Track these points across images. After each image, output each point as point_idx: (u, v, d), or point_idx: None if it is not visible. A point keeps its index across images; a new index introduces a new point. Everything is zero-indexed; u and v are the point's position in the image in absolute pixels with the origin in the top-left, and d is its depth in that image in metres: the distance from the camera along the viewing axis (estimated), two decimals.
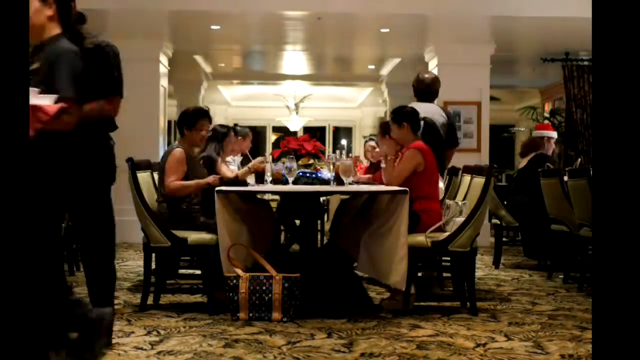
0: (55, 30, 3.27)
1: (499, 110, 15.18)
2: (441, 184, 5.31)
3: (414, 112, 4.92)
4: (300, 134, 15.05)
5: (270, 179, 4.86)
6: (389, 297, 4.64)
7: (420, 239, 4.47)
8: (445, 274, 5.46)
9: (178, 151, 4.69)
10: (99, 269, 3.48)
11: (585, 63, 9.80)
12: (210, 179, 4.67)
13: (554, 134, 7.37)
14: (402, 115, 4.90)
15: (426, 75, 5.88)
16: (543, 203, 6.10)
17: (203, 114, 4.82)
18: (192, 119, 4.78)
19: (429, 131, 4.96)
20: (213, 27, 8.57)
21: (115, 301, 4.80)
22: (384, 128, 5.16)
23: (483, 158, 8.95)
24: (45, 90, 2.95)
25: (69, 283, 5.52)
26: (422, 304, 4.66)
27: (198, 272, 5.97)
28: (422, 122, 4.94)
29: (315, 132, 17.40)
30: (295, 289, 4.17)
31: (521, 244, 7.30)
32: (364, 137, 8.26)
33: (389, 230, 4.38)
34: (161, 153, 9.08)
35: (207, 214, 4.62)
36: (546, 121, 10.79)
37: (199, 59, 11.12)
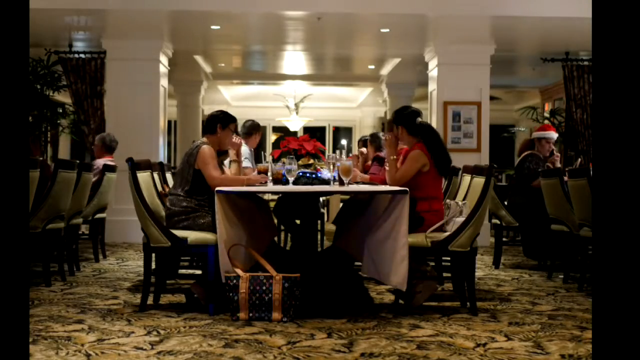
0: None
1: (499, 110, 15.20)
2: None
3: (411, 114, 4.91)
4: (300, 134, 15.05)
5: (271, 178, 4.86)
6: (417, 292, 4.51)
7: (420, 239, 4.46)
8: (445, 274, 5.47)
9: (207, 147, 4.72)
10: None
11: (585, 63, 9.80)
12: (260, 177, 4.77)
13: (548, 134, 7.12)
14: (398, 117, 4.94)
15: None
16: (543, 203, 6.10)
17: (234, 119, 4.93)
18: (227, 120, 4.89)
19: (427, 132, 4.89)
20: (213, 27, 8.57)
21: (115, 301, 4.82)
22: (389, 126, 5.15)
23: (483, 158, 8.95)
24: None
25: (68, 283, 5.54)
26: (422, 303, 4.65)
27: (198, 272, 5.97)
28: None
29: (315, 132, 17.42)
30: (295, 289, 4.17)
31: (521, 244, 7.30)
32: (363, 137, 8.23)
33: (390, 231, 4.37)
34: (161, 153, 9.09)
35: (207, 214, 4.62)
36: (546, 121, 10.78)
37: (199, 59, 11.12)
